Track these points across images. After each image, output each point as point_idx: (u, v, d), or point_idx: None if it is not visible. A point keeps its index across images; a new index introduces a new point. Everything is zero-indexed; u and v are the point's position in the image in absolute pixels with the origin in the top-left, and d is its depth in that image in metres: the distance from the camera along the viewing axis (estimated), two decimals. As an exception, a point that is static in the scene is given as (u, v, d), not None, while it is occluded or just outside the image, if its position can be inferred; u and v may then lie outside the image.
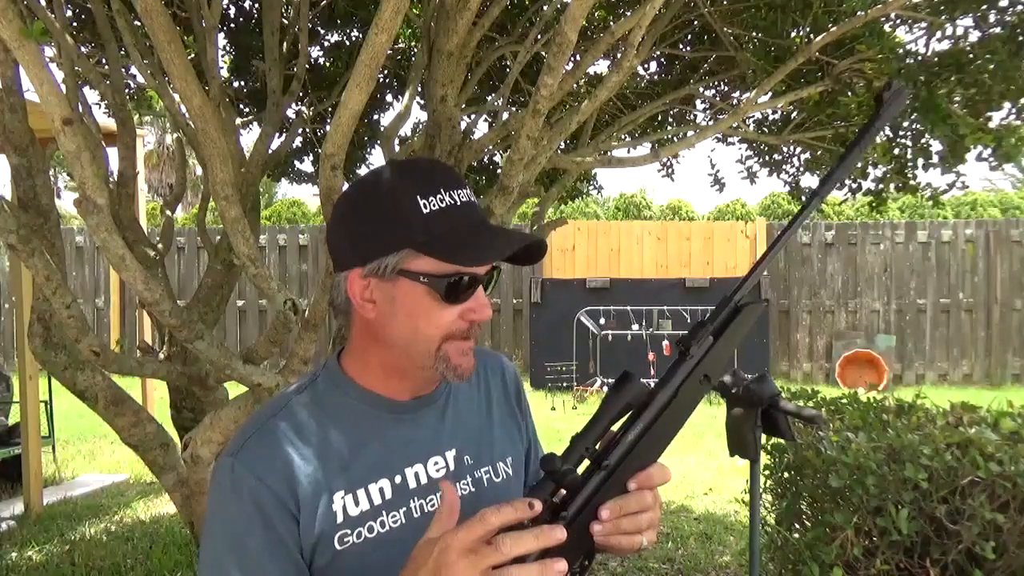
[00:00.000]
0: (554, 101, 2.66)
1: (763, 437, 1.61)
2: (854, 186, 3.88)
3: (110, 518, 4.58)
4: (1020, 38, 2.87)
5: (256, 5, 3.93)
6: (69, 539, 4.15)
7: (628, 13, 3.32)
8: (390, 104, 4.57)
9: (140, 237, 3.28)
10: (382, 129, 3.85)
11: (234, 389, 2.87)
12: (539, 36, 3.43)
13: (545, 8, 3.62)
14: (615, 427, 0.84)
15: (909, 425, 2.33)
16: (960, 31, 3.12)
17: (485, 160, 4.69)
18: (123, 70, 3.77)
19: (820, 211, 11.30)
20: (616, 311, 9.29)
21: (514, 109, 4.21)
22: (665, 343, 9.17)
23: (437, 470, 0.98)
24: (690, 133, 3.91)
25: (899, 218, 12.08)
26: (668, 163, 4.64)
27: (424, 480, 0.97)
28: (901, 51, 3.27)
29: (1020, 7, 2.91)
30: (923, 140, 3.50)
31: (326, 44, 4.33)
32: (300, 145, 4.44)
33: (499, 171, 3.90)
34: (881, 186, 3.79)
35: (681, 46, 3.95)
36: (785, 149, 4.30)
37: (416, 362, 0.93)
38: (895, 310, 9.98)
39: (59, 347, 2.68)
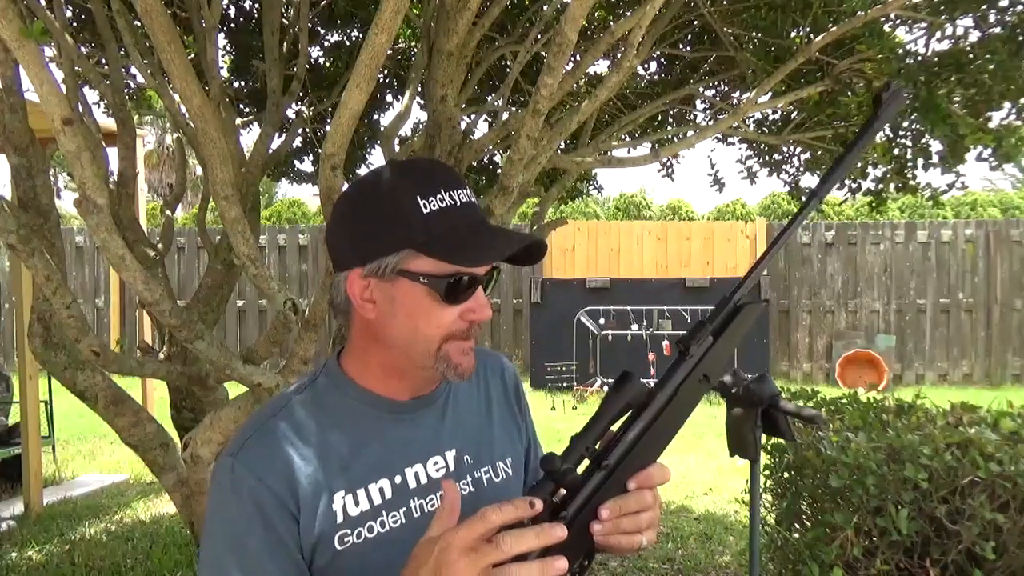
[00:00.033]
0: (554, 101, 2.66)
1: (763, 437, 1.61)
2: (854, 186, 3.88)
3: (110, 518, 4.58)
4: (1020, 38, 2.87)
5: (256, 5, 3.93)
6: (69, 539, 4.15)
7: (628, 13, 3.32)
8: (390, 104, 4.57)
9: (140, 237, 3.28)
10: (382, 129, 3.85)
11: (234, 389, 2.87)
12: (539, 36, 3.43)
13: (545, 8, 3.62)
14: (615, 427, 0.84)
15: (909, 425, 2.33)
16: (960, 31, 3.12)
17: (485, 160, 4.69)
18: (123, 70, 3.77)
19: (820, 211, 11.30)
20: (616, 311, 9.29)
21: (514, 109, 4.21)
22: (665, 343, 9.17)
23: (437, 470, 0.98)
24: (690, 133, 3.91)
25: (899, 218, 12.08)
26: (668, 163, 4.64)
27: (424, 480, 0.97)
28: (901, 51, 3.27)
29: (1020, 7, 2.91)
30: (923, 140, 3.50)
31: (326, 44, 4.33)
32: (300, 145, 4.44)
33: (499, 171, 3.90)
34: (881, 186, 3.79)
35: (681, 46, 3.95)
36: (785, 149, 4.30)
37: (416, 362, 0.93)
38: (895, 310, 9.98)
39: (59, 347, 2.68)
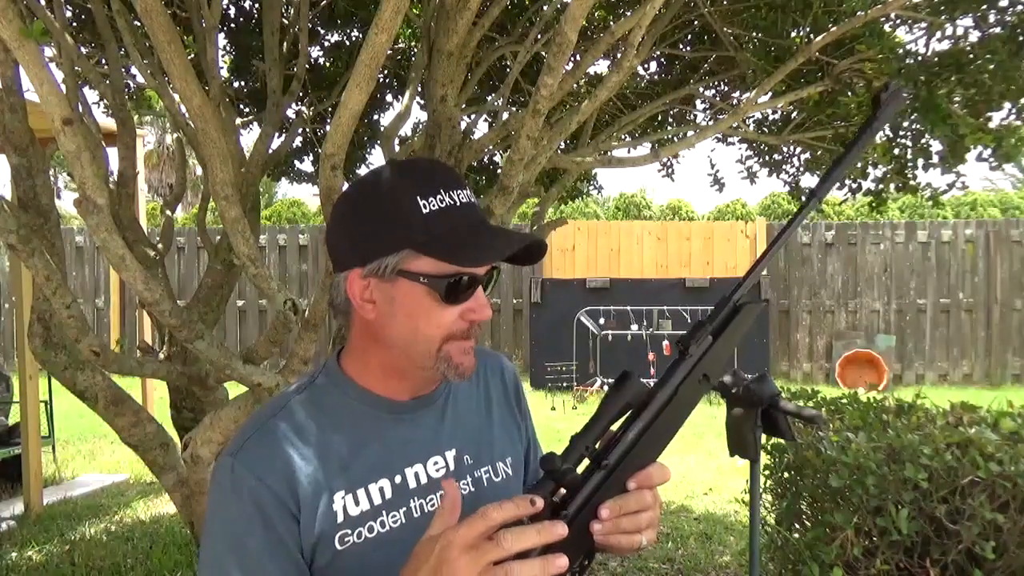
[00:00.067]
0: (554, 101, 2.66)
1: (763, 437, 1.61)
2: (854, 186, 3.88)
3: (110, 518, 4.58)
4: (1020, 38, 2.87)
5: (256, 5, 3.93)
6: (69, 539, 4.15)
7: (628, 13, 3.32)
8: (390, 104, 4.57)
9: (140, 237, 3.28)
10: (382, 129, 3.85)
11: (234, 389, 2.87)
12: (539, 36, 3.43)
13: (545, 8, 3.62)
14: (615, 426, 0.84)
15: (909, 425, 2.33)
16: (960, 31, 3.12)
17: (485, 160, 4.69)
18: (123, 70, 3.77)
19: (820, 211, 11.31)
20: (616, 311, 9.29)
21: (514, 109, 4.21)
22: (665, 343, 9.17)
23: (437, 470, 0.98)
24: (690, 133, 3.91)
25: (899, 218, 12.08)
26: (668, 163, 4.64)
27: (424, 480, 0.97)
28: (901, 51, 3.27)
29: (1020, 7, 2.91)
30: (923, 140, 3.50)
31: (326, 44, 4.33)
32: (300, 145, 4.44)
33: (499, 171, 3.90)
34: (881, 186, 3.79)
35: (681, 46, 3.95)
36: (785, 149, 4.30)
37: (416, 362, 0.93)
38: (895, 310, 9.98)
39: (59, 347, 2.68)
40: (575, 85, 4.00)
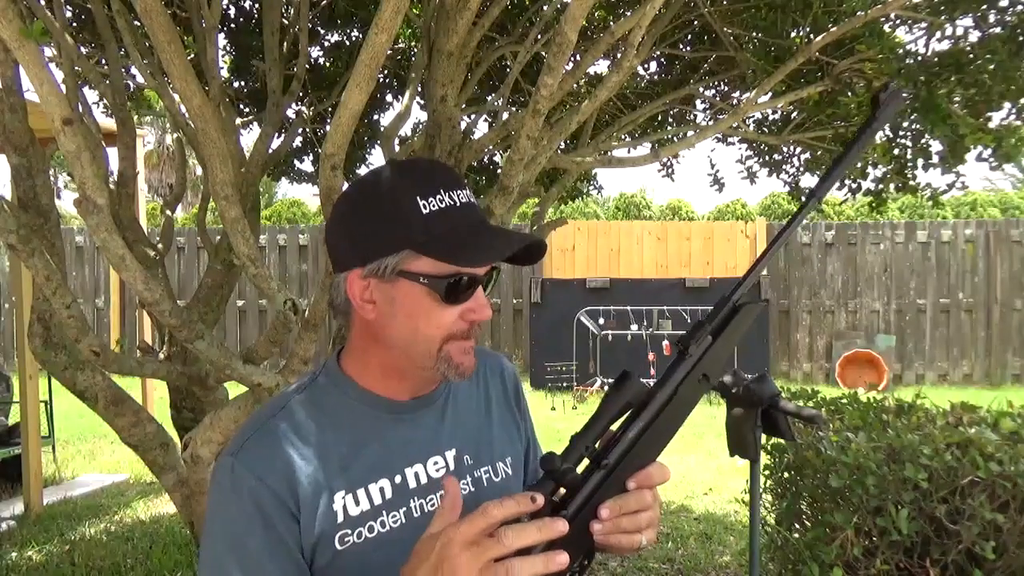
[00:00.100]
0: (554, 101, 2.66)
1: (763, 437, 1.61)
2: (854, 186, 3.88)
3: (110, 518, 4.58)
4: (1020, 38, 2.87)
5: (256, 5, 3.93)
6: (69, 539, 4.15)
7: (628, 13, 3.32)
8: (390, 104, 4.57)
9: (140, 237, 3.28)
10: (382, 129, 3.85)
11: (234, 389, 2.87)
12: (539, 36, 3.43)
13: (545, 8, 3.62)
14: (614, 426, 0.84)
15: (909, 425, 2.33)
16: (960, 31, 3.12)
17: (485, 160, 4.69)
18: (123, 70, 3.77)
19: (820, 211, 11.30)
20: (616, 311, 9.29)
21: (514, 109, 4.21)
22: (665, 343, 9.17)
23: (437, 470, 0.98)
24: (690, 133, 3.91)
25: (899, 218, 12.08)
26: (668, 163, 4.64)
27: (424, 480, 0.97)
28: (901, 51, 3.27)
29: (1020, 7, 2.91)
30: (923, 140, 3.50)
31: (326, 44, 4.33)
32: (300, 145, 4.44)
33: (499, 171, 3.90)
34: (881, 186, 3.79)
35: (681, 46, 3.95)
36: (785, 149, 4.30)
37: (416, 362, 0.93)
38: (895, 310, 9.98)
39: (59, 347, 2.68)
40: (575, 85, 4.00)
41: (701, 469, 5.58)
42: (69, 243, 10.37)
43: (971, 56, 3.02)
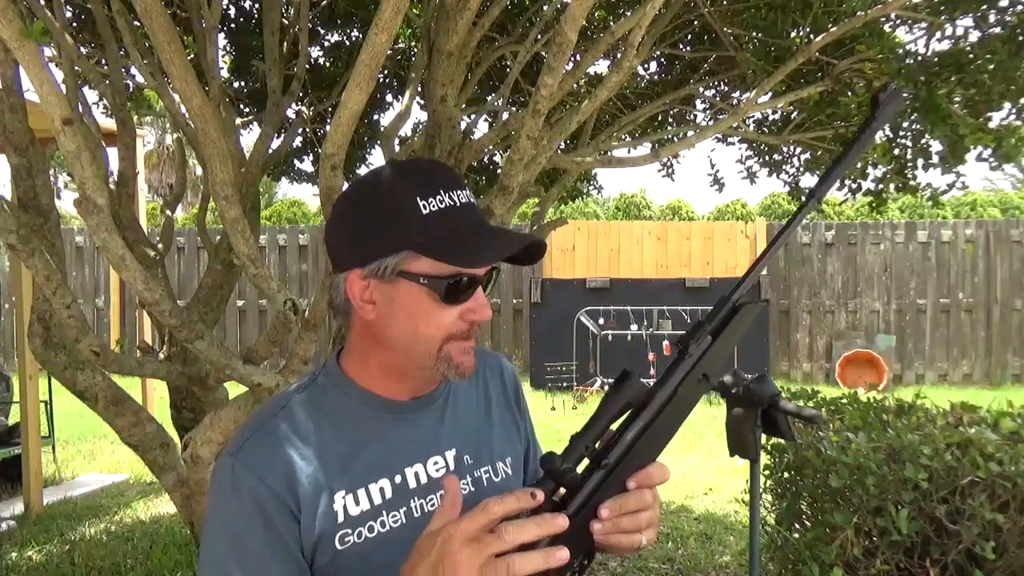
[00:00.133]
0: (554, 101, 2.66)
1: (763, 437, 1.62)
2: (854, 186, 3.88)
3: (110, 518, 4.58)
4: (1020, 38, 2.87)
5: (256, 5, 3.93)
6: (69, 539, 4.15)
7: (628, 13, 3.32)
8: (390, 104, 4.57)
9: (140, 237, 3.28)
10: (382, 129, 3.85)
11: (234, 389, 2.87)
12: (539, 36, 3.43)
13: (545, 8, 3.62)
14: (614, 426, 0.84)
15: (909, 425, 2.33)
16: (960, 31, 3.12)
17: (485, 160, 4.69)
18: (123, 70, 3.77)
19: (820, 211, 11.30)
20: (616, 311, 9.29)
21: (514, 109, 4.21)
22: (665, 343, 9.17)
23: (437, 470, 0.98)
24: (690, 133, 3.91)
25: (899, 218, 12.08)
26: (668, 163, 4.64)
27: (424, 480, 0.97)
28: (901, 51, 3.27)
29: (1020, 7, 2.91)
30: (923, 140, 3.50)
31: (326, 44, 4.33)
32: (300, 145, 4.44)
33: (499, 171, 3.90)
34: (881, 186, 3.79)
35: (681, 46, 3.95)
36: (785, 149, 4.30)
37: (416, 363, 0.93)
38: (895, 310, 9.98)
39: (59, 347, 2.68)
40: (575, 85, 4.00)
41: (701, 469, 5.58)
42: (69, 243, 10.37)
43: (971, 56, 3.02)
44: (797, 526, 2.43)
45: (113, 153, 3.37)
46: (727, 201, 13.47)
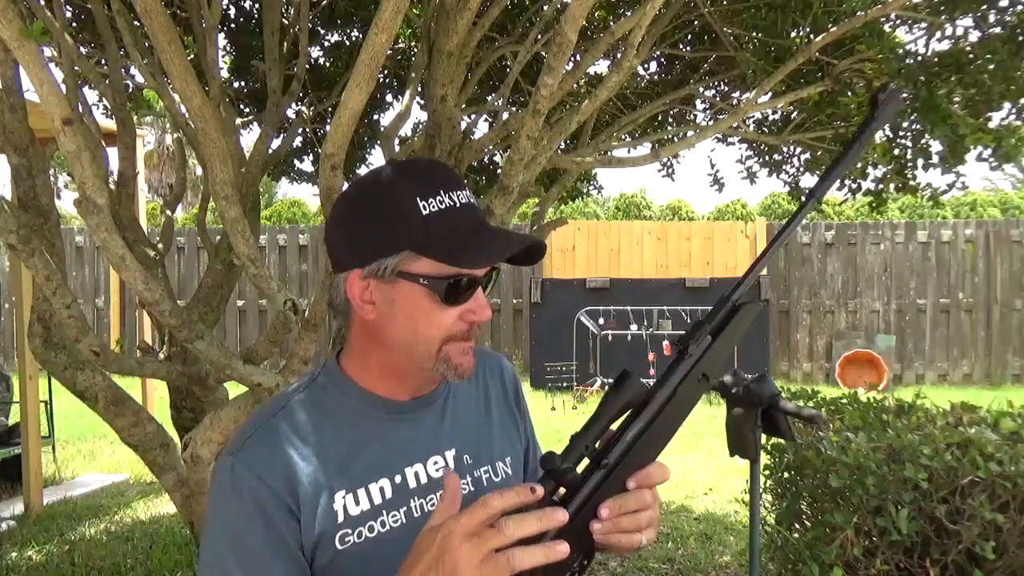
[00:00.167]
0: (554, 101, 2.66)
1: (763, 437, 1.61)
2: (854, 186, 3.88)
3: (110, 518, 4.58)
4: (1020, 38, 2.87)
5: (256, 5, 3.93)
6: (69, 539, 4.15)
7: (628, 13, 3.32)
8: (390, 104, 4.57)
9: (140, 237, 3.28)
10: (382, 129, 3.85)
11: (234, 389, 2.87)
12: (539, 36, 3.43)
13: (545, 8, 3.62)
14: (614, 426, 0.84)
15: (909, 425, 2.33)
16: (960, 31, 3.12)
17: (485, 160, 4.69)
18: (123, 70, 3.77)
19: (820, 211, 11.30)
20: (616, 311, 9.28)
21: (514, 109, 4.21)
22: (665, 343, 9.17)
23: (437, 470, 0.98)
24: (690, 133, 3.91)
25: (899, 218, 12.08)
26: (668, 163, 4.64)
27: (424, 480, 0.97)
28: (901, 51, 3.27)
29: (1020, 7, 2.91)
30: (923, 140, 3.50)
31: (326, 44, 4.33)
32: (300, 145, 4.44)
33: (499, 171, 3.90)
34: (881, 186, 3.79)
35: (681, 46, 3.95)
36: (785, 149, 4.30)
37: (416, 363, 0.93)
38: (895, 310, 9.98)
39: (59, 347, 2.68)
40: (575, 85, 4.00)
41: (701, 469, 5.58)
42: (69, 243, 10.37)
43: (971, 56, 3.02)
44: (797, 526, 2.43)
45: (113, 153, 3.37)
46: (727, 201, 13.47)
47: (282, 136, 3.73)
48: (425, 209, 0.88)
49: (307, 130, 4.21)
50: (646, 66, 4.28)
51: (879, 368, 9.30)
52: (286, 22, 3.61)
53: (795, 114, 3.92)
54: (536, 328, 9.45)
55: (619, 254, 10.38)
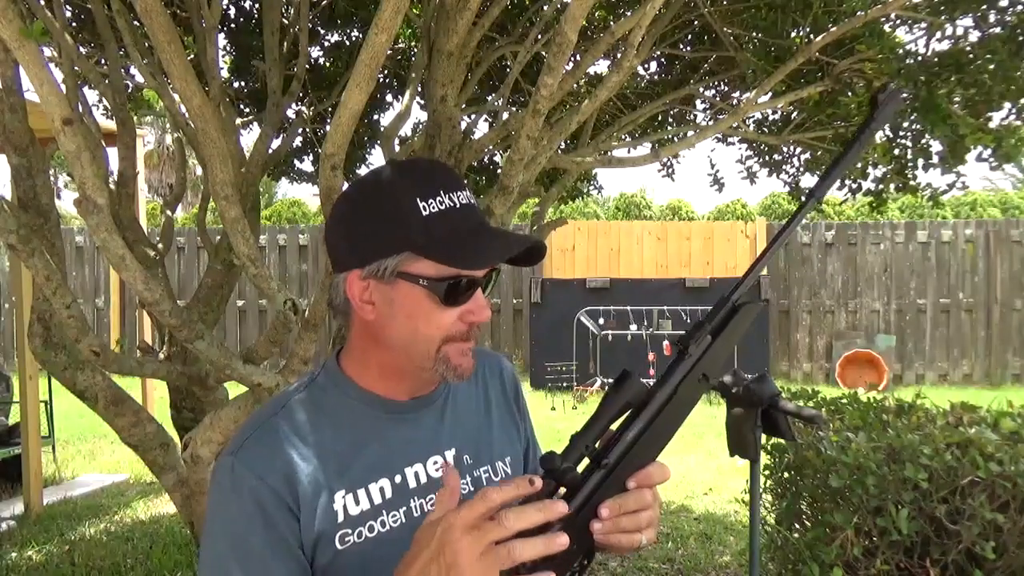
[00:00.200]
0: (554, 101, 2.66)
1: (763, 437, 1.61)
2: (854, 186, 3.88)
3: (110, 518, 4.58)
4: (1020, 38, 2.87)
5: (256, 5, 3.93)
6: (69, 539, 4.15)
7: (628, 13, 3.32)
8: (390, 104, 4.57)
9: (140, 237, 3.28)
10: (382, 129, 3.85)
11: (234, 389, 2.87)
12: (539, 36, 3.43)
13: (545, 8, 3.62)
14: (614, 426, 0.84)
15: (909, 425, 2.33)
16: (960, 31, 3.12)
17: (485, 160, 4.69)
18: (123, 70, 3.77)
19: (820, 211, 11.31)
20: (616, 311, 9.28)
21: (514, 109, 4.21)
22: (665, 343, 9.17)
23: (436, 470, 0.98)
24: (690, 133, 3.91)
25: (899, 218, 12.08)
26: (668, 163, 4.64)
27: (424, 480, 0.97)
28: (901, 51, 3.27)
29: (1020, 7, 2.91)
30: (923, 140, 3.50)
31: (326, 44, 4.33)
32: (300, 145, 4.44)
33: (499, 171, 3.90)
34: (881, 186, 3.79)
35: (681, 46, 3.95)
36: (785, 149, 4.30)
37: (415, 363, 0.93)
38: (895, 310, 9.98)
39: (59, 347, 2.68)
40: (575, 85, 4.00)
41: (701, 469, 5.58)
42: (69, 243, 10.37)
43: (971, 56, 3.02)
44: (797, 526, 2.43)
45: (113, 153, 3.37)
46: (727, 201, 13.47)
47: (282, 136, 3.73)
48: (425, 210, 0.88)
49: (307, 130, 4.21)
50: (646, 66, 4.28)
51: (879, 368, 9.30)
52: (286, 22, 3.61)
53: (795, 114, 3.92)
54: (536, 328, 9.45)
55: (619, 254, 10.38)
